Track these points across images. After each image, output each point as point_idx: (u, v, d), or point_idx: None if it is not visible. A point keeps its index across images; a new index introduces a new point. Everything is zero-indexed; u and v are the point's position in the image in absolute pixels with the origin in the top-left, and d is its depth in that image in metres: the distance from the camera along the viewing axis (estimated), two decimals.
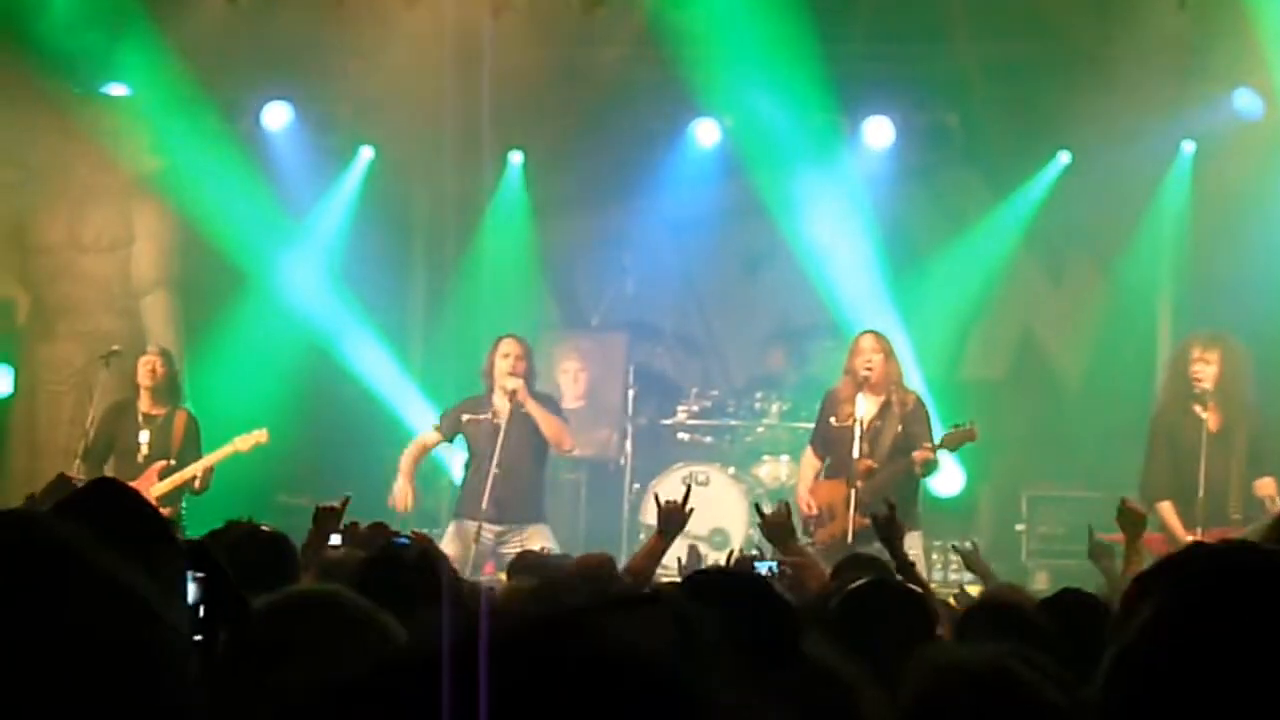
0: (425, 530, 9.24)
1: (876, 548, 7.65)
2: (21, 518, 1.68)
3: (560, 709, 1.36)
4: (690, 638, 1.45)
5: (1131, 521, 7.03)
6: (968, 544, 8.25)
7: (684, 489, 8.10)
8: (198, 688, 1.56)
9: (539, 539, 10.79)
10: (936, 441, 10.41)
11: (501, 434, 10.91)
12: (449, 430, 11.44)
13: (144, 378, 11.72)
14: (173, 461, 11.46)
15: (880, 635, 4.06)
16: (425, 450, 11.72)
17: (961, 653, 3.16)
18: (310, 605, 2.98)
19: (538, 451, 11.29)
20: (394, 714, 1.43)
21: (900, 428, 10.59)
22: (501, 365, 11.13)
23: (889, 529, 6.94)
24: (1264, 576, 1.88)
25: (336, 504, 6.98)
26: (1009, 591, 6.08)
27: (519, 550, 10.21)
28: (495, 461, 10.85)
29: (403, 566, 4.41)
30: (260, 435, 11.62)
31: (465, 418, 11.27)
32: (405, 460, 11.57)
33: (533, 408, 11.12)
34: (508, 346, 11.24)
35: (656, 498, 7.83)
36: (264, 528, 5.63)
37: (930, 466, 10.52)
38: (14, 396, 14.14)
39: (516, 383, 11.03)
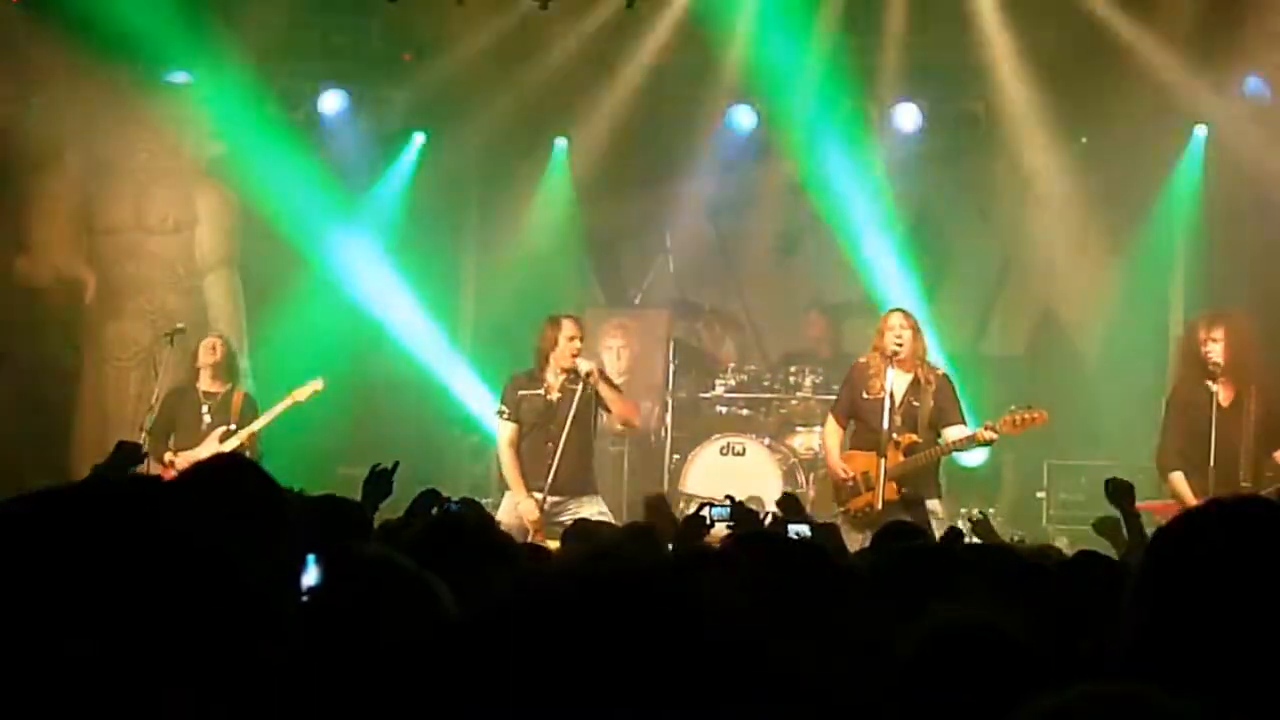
0: (475, 499, 9.14)
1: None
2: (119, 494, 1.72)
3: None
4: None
5: (1122, 492, 7.28)
6: (976, 513, 8.31)
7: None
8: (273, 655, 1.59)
9: (592, 508, 10.84)
10: (994, 421, 10.39)
11: (565, 410, 10.84)
12: (514, 413, 11.10)
13: (205, 355, 11.96)
14: (233, 427, 11.74)
15: (916, 597, 3.96)
16: (516, 447, 11.07)
17: (954, 613, 3.22)
18: (363, 568, 2.99)
19: (593, 427, 11.23)
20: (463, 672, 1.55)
21: (932, 403, 10.72)
22: (566, 346, 10.99)
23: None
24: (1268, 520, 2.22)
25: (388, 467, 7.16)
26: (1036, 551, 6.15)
27: (573, 518, 10.35)
28: (554, 436, 10.80)
29: (462, 531, 4.39)
30: (316, 384, 11.83)
31: (520, 393, 11.09)
32: (511, 471, 11.04)
33: (605, 388, 11.10)
34: (572, 328, 11.10)
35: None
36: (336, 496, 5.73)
37: (976, 446, 10.66)
38: (83, 371, 14.43)
39: (591, 364, 11.00)
